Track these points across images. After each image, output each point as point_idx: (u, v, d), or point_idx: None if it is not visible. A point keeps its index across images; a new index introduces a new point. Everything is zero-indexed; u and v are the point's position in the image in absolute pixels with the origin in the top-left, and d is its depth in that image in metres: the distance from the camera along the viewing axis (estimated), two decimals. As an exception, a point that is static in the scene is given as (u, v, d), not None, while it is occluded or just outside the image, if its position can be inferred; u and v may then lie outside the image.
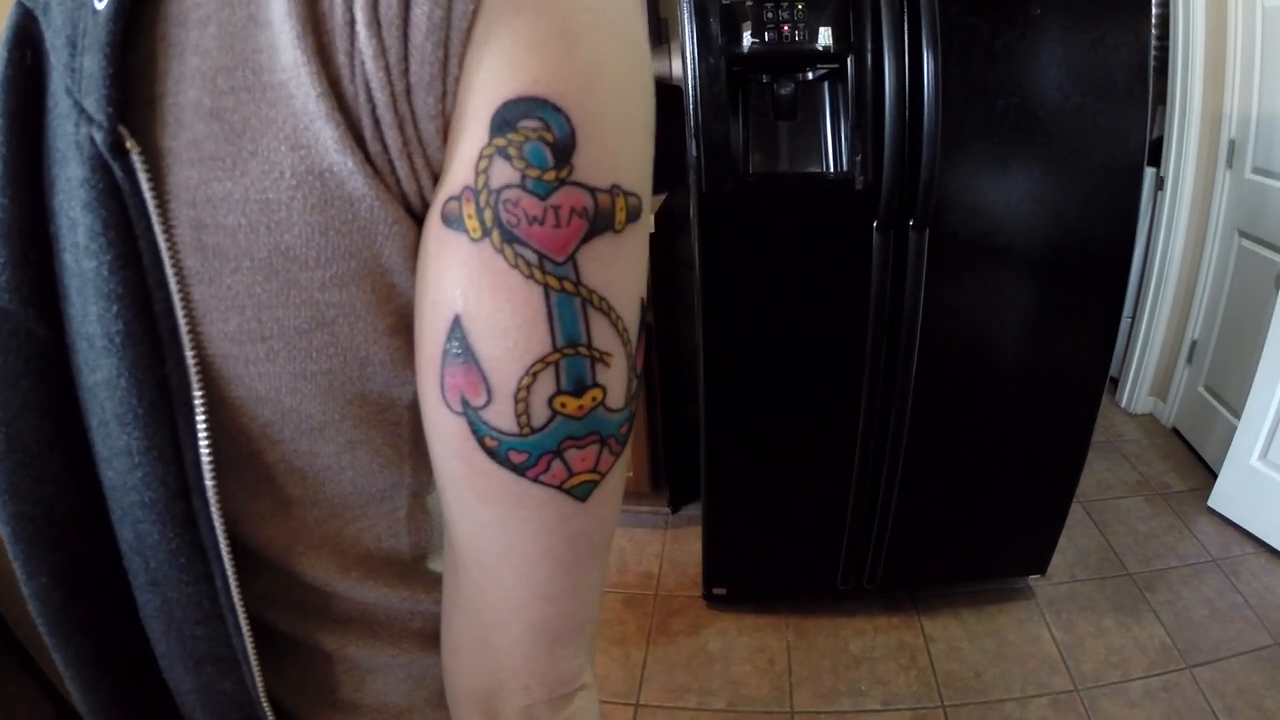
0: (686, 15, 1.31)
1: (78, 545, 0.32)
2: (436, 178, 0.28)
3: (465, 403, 0.28)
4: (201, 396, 0.29)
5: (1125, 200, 1.41)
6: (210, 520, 0.30)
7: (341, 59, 0.26)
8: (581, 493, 0.30)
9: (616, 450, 0.31)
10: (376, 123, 0.26)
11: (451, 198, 0.27)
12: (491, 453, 0.29)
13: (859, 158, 1.37)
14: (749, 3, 1.30)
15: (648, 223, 0.30)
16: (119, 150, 0.25)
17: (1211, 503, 2.14)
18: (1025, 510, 1.74)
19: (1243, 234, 2.21)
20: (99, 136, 0.25)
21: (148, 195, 0.26)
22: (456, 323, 0.27)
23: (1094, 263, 1.46)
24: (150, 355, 0.28)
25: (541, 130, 0.26)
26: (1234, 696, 1.55)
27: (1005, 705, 1.58)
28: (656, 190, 1.93)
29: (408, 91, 0.26)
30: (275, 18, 0.25)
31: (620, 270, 0.28)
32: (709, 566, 1.81)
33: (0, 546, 0.32)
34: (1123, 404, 2.73)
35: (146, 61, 0.26)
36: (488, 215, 0.26)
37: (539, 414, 0.28)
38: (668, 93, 1.71)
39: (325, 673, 0.38)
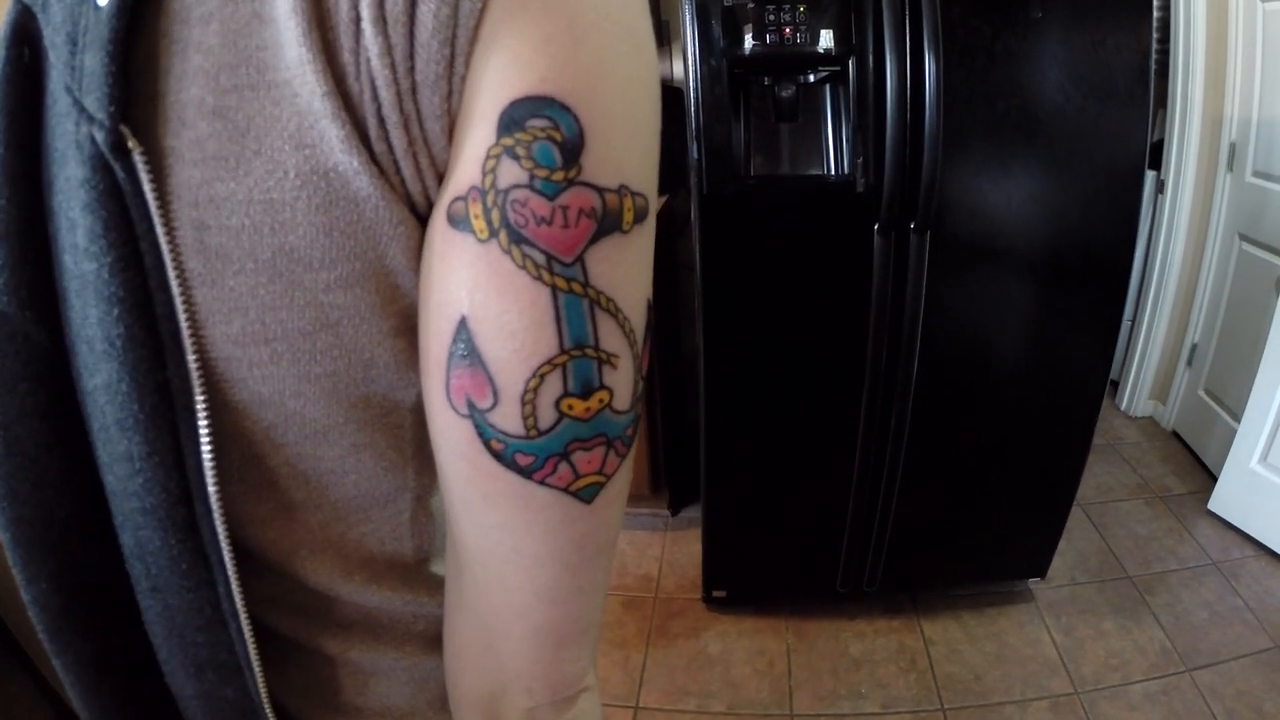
0: (688, 17, 1.31)
1: (78, 550, 0.32)
2: (441, 178, 0.28)
3: (471, 405, 0.28)
4: (204, 400, 0.28)
5: (1126, 203, 1.41)
6: (212, 526, 0.29)
7: (347, 57, 0.25)
8: (587, 495, 0.30)
9: (622, 452, 0.30)
10: (382, 122, 0.26)
11: (458, 198, 0.26)
12: (498, 455, 0.28)
13: (860, 160, 1.37)
14: (750, 5, 1.30)
15: (654, 223, 0.30)
16: (120, 150, 0.25)
17: (1211, 506, 2.14)
18: (1025, 513, 1.74)
19: (1243, 237, 2.21)
20: (100, 136, 0.25)
21: (149, 196, 0.26)
22: (463, 324, 0.27)
23: (1094, 265, 1.46)
24: (151, 359, 0.27)
25: (550, 129, 0.25)
26: (1233, 700, 1.55)
27: (1005, 708, 1.58)
28: (658, 192, 1.93)
29: (413, 90, 0.26)
30: (279, 14, 0.25)
31: (627, 271, 0.28)
32: (709, 569, 1.80)
33: (-1, 551, 0.32)
34: (1123, 407, 2.73)
35: (148, 59, 0.26)
36: (495, 215, 0.26)
37: (546, 416, 0.28)
38: (669, 94, 1.71)
39: (328, 676, 0.38)
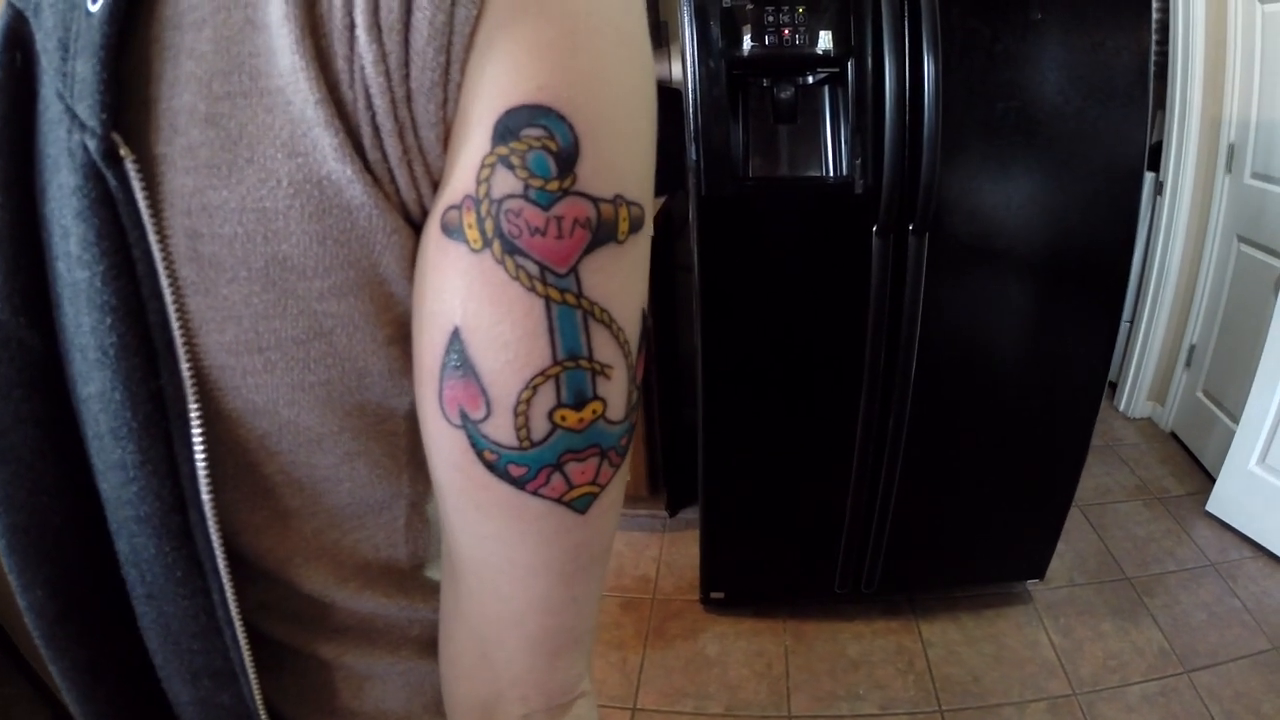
0: (687, 18, 1.31)
1: (73, 556, 0.32)
2: (436, 186, 0.28)
3: (464, 415, 0.28)
4: (197, 409, 0.28)
5: (1125, 204, 1.41)
6: (207, 534, 0.29)
7: (340, 64, 0.25)
8: (581, 505, 0.30)
9: (616, 462, 0.30)
10: (376, 130, 0.26)
11: (452, 207, 0.26)
12: (490, 466, 0.28)
13: (859, 161, 1.37)
14: (749, 6, 1.30)
15: (649, 232, 0.30)
16: (112, 158, 0.25)
17: (1210, 507, 2.14)
18: (1023, 514, 1.74)
19: (1242, 239, 2.21)
20: (92, 144, 0.25)
21: (142, 204, 0.25)
22: (455, 335, 0.27)
23: (1093, 267, 1.46)
24: (145, 368, 0.27)
25: (545, 139, 0.25)
26: (1232, 701, 1.55)
27: (1003, 710, 1.58)
28: (656, 194, 1.93)
29: (408, 98, 0.26)
30: (273, 21, 0.24)
31: (622, 282, 0.28)
32: (707, 570, 1.80)
33: (-6, 557, 0.32)
34: (1121, 408, 2.73)
35: (140, 65, 0.25)
36: (489, 225, 0.26)
37: (539, 427, 0.28)
38: (668, 96, 1.71)
39: (323, 681, 0.38)
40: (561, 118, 0.25)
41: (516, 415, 0.27)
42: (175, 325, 0.27)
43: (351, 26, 0.25)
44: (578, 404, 0.28)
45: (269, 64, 0.25)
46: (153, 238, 0.26)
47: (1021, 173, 1.37)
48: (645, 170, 0.29)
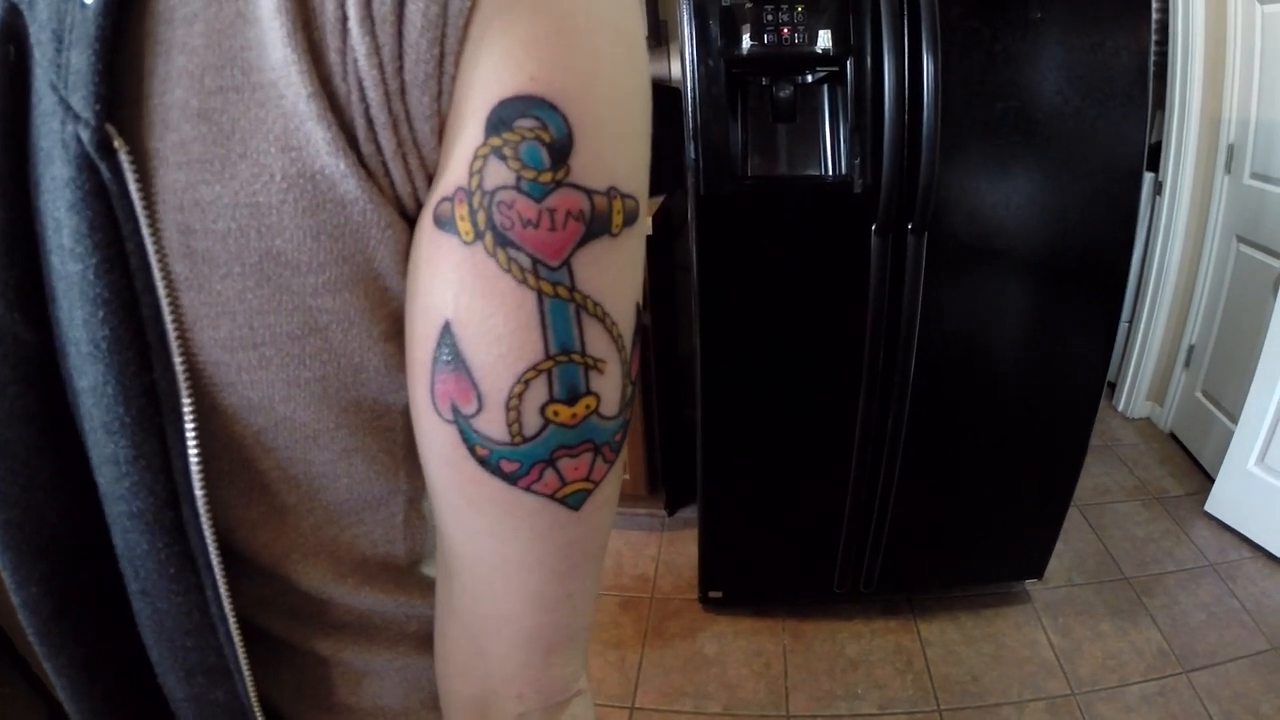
0: (686, 17, 1.31)
1: (69, 553, 0.31)
2: (431, 179, 0.27)
3: (456, 410, 0.28)
4: (190, 404, 0.28)
5: (1124, 204, 1.41)
6: (200, 529, 0.29)
7: (333, 57, 0.25)
8: (574, 502, 0.30)
9: (610, 458, 0.30)
10: (370, 123, 0.26)
11: (445, 199, 0.26)
12: (482, 461, 0.28)
13: (858, 161, 1.37)
14: (749, 5, 1.29)
15: (645, 225, 0.29)
16: (106, 149, 0.25)
17: (1208, 507, 2.14)
18: (1022, 514, 1.74)
19: (1241, 239, 2.21)
20: (85, 135, 0.25)
21: (135, 196, 0.25)
22: (447, 328, 0.27)
23: (1092, 267, 1.46)
24: (138, 361, 0.27)
25: (538, 130, 0.25)
26: (1230, 701, 1.55)
27: (1002, 709, 1.58)
28: (654, 193, 1.93)
29: (402, 91, 0.25)
30: (264, 14, 0.24)
31: (616, 275, 0.28)
32: (705, 569, 1.80)
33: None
34: (1120, 408, 2.73)
35: (133, 60, 0.25)
36: (481, 217, 0.25)
37: (531, 422, 0.27)
38: (667, 94, 1.71)
39: (320, 677, 0.38)
40: (555, 108, 0.25)
41: (508, 410, 0.27)
42: (169, 319, 0.27)
43: (344, 19, 0.25)
44: (570, 399, 0.28)
45: (260, 58, 0.25)
46: (146, 231, 0.26)
47: (1021, 172, 1.37)
48: (640, 163, 0.29)
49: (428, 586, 0.39)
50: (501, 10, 0.25)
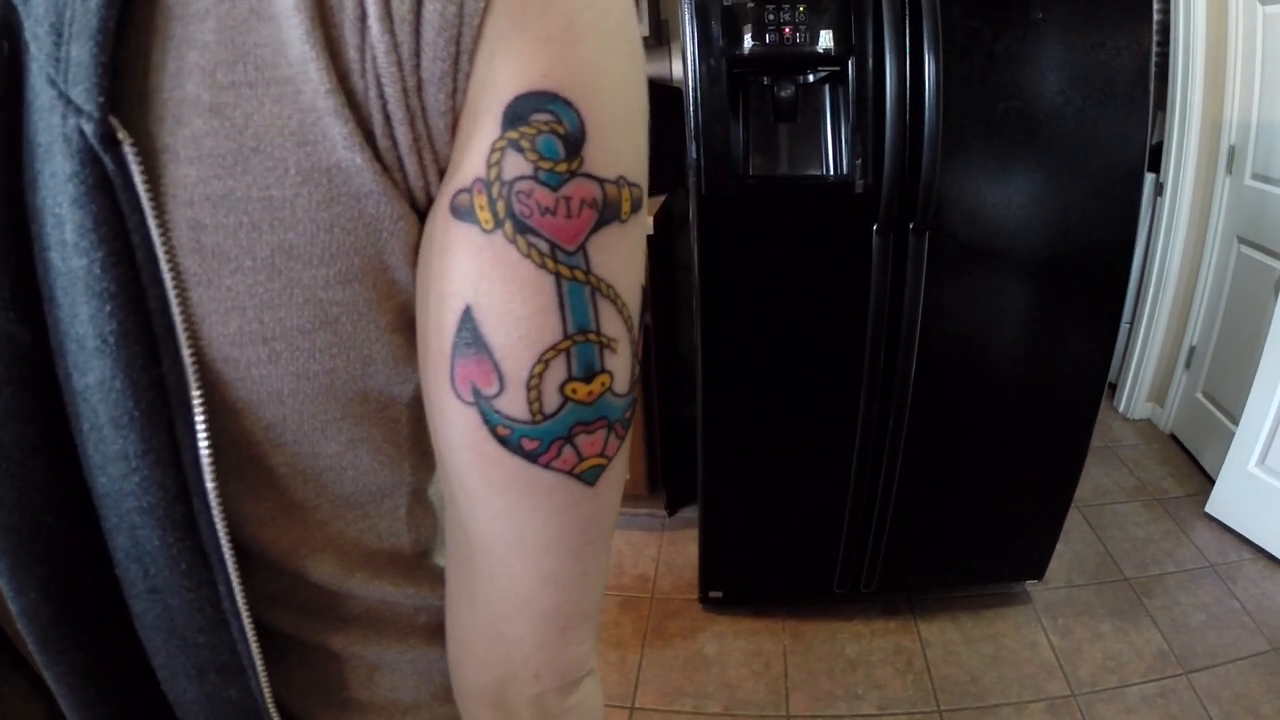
0: (687, 17, 1.31)
1: (67, 557, 0.31)
2: (443, 173, 0.28)
3: (477, 392, 0.29)
4: (200, 396, 0.28)
5: (1125, 205, 1.41)
6: (211, 523, 0.29)
7: (352, 54, 0.26)
8: (590, 477, 0.31)
9: (621, 434, 0.31)
10: (387, 118, 0.27)
11: (462, 190, 0.27)
12: (503, 441, 0.29)
13: (859, 161, 1.37)
14: (750, 4, 1.30)
15: (648, 214, 0.30)
16: (110, 142, 0.25)
17: (1209, 509, 2.14)
18: (1023, 515, 1.74)
19: (1242, 240, 2.21)
20: (89, 128, 0.24)
21: (140, 187, 0.25)
22: (468, 313, 0.28)
23: (1093, 267, 1.46)
24: (146, 355, 0.27)
25: (553, 123, 0.26)
26: (1230, 702, 1.55)
27: (1002, 710, 1.58)
28: (655, 192, 1.93)
29: (419, 87, 0.26)
30: (279, 11, 0.25)
31: (625, 259, 0.29)
32: (705, 569, 1.80)
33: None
34: (1121, 409, 2.73)
35: (139, 55, 0.25)
36: (500, 206, 0.27)
37: (551, 400, 0.29)
38: (668, 94, 1.71)
39: (333, 672, 0.38)
40: (568, 103, 0.26)
41: (529, 389, 0.28)
42: (177, 314, 0.27)
43: (363, 17, 0.25)
44: (587, 377, 0.29)
45: (276, 54, 0.25)
46: (152, 222, 0.26)
47: (1021, 173, 1.37)
48: (642, 154, 0.30)
49: (436, 578, 0.39)
50: (513, 11, 0.26)
